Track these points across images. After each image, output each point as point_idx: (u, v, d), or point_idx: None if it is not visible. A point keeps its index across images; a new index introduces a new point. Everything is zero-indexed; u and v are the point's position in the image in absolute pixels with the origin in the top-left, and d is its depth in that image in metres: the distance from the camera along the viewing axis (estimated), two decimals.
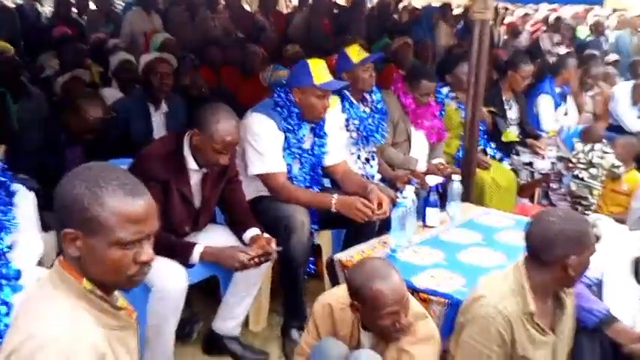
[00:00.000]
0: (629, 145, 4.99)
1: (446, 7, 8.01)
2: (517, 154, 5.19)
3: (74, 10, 7.55)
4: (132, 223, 1.39)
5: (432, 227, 3.32)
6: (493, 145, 4.92)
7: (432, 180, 3.46)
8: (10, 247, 2.35)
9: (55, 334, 1.32)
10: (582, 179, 4.79)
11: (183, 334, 3.10)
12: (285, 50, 5.96)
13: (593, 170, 4.76)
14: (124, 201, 1.39)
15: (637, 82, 6.21)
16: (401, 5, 10.13)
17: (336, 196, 3.17)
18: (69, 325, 1.35)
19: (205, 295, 3.35)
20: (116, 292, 1.54)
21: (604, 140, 5.00)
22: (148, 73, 4.02)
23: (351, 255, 2.94)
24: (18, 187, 2.41)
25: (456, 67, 4.64)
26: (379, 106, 3.89)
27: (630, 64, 7.43)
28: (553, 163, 5.12)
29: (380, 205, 3.11)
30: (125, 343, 1.47)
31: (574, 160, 4.85)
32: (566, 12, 10.57)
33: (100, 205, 1.37)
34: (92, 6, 7.60)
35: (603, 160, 4.77)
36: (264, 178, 3.20)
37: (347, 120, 3.69)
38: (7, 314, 2.16)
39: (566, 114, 5.90)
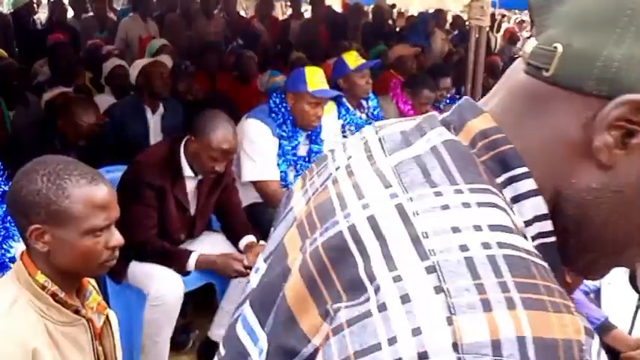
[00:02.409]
0: None
1: (441, 14, 8.02)
2: None
3: (70, 14, 7.51)
4: (100, 209, 1.44)
5: None
6: None
7: None
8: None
9: None
10: None
11: (178, 342, 3.08)
12: (290, 57, 5.93)
13: None
14: (89, 189, 1.43)
15: None
16: (396, 12, 10.16)
17: None
18: (2, 316, 1.38)
19: (201, 303, 3.32)
20: (90, 287, 1.57)
21: None
22: (148, 76, 4.00)
23: None
24: None
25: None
26: (375, 112, 3.89)
27: None
28: None
29: None
30: (73, 338, 1.49)
31: None
32: None
33: (66, 197, 1.40)
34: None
35: None
36: (257, 185, 3.19)
37: (343, 126, 3.69)
38: None
39: None
